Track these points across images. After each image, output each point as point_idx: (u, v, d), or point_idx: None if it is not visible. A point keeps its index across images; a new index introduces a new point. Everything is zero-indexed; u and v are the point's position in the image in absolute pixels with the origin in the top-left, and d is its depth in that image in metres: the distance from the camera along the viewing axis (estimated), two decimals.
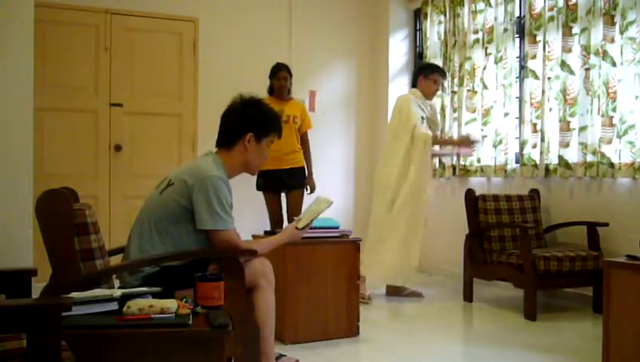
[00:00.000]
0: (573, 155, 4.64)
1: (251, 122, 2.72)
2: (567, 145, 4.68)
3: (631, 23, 4.22)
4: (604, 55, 4.36)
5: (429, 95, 4.96)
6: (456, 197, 5.41)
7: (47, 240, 2.24)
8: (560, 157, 4.72)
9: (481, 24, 5.54)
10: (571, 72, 4.66)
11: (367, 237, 4.84)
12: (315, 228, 3.48)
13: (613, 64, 4.32)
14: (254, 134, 2.71)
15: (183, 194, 2.54)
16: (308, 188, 5.22)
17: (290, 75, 5.15)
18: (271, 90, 5.12)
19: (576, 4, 4.61)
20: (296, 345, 3.48)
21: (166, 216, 2.55)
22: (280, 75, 5.09)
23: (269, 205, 5.20)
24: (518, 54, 5.27)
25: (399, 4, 6.58)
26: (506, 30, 5.26)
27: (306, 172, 5.20)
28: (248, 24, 6.11)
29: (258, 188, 5.16)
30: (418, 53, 6.58)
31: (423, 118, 4.88)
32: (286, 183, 5.11)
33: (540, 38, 4.94)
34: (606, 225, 4.32)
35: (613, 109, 4.32)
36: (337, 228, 3.71)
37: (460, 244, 4.88)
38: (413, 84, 5.01)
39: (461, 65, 5.71)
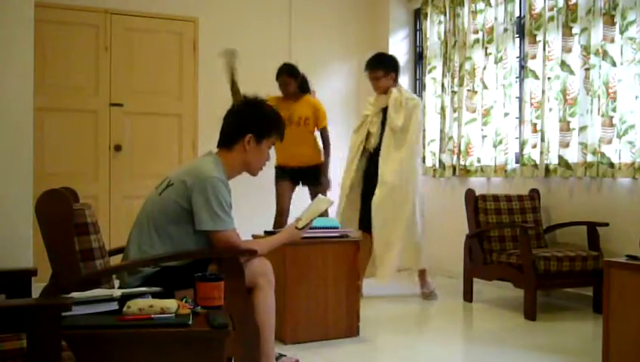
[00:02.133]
0: (573, 155, 4.64)
1: (251, 123, 2.72)
2: (567, 145, 4.68)
3: (631, 23, 4.22)
4: (604, 55, 4.36)
5: (375, 90, 5.00)
6: (456, 197, 5.41)
7: (47, 240, 2.24)
8: (560, 158, 4.72)
9: (481, 24, 5.54)
10: (571, 72, 4.66)
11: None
12: (315, 228, 3.48)
13: (613, 64, 4.32)
14: (254, 135, 2.71)
15: (182, 194, 2.54)
16: (321, 185, 5.14)
17: (294, 76, 5.08)
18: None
19: (576, 4, 4.60)
20: (296, 345, 3.48)
21: (165, 217, 2.55)
22: (280, 80, 5.07)
23: (278, 192, 5.18)
24: (518, 54, 5.27)
25: (399, 4, 6.58)
26: (506, 30, 5.26)
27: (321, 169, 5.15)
28: (248, 24, 6.11)
29: (276, 181, 5.22)
30: (418, 53, 6.58)
31: (367, 115, 4.97)
32: (302, 179, 5.18)
33: (540, 38, 4.94)
34: (606, 225, 4.32)
35: (613, 109, 4.32)
36: (337, 228, 3.71)
37: (460, 244, 4.88)
38: None
39: (461, 65, 5.71)
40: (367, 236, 4.80)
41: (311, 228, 2.96)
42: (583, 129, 4.53)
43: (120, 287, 2.45)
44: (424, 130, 6.20)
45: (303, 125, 5.07)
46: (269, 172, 5.63)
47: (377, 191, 4.73)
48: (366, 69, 4.98)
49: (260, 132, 2.73)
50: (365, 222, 4.83)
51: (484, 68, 5.45)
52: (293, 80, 5.09)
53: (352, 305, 3.70)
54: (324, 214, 4.22)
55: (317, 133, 5.25)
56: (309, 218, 2.84)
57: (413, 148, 4.82)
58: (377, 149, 4.86)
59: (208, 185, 2.52)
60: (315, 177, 5.16)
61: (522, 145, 5.11)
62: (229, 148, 2.72)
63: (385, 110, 4.89)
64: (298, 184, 5.25)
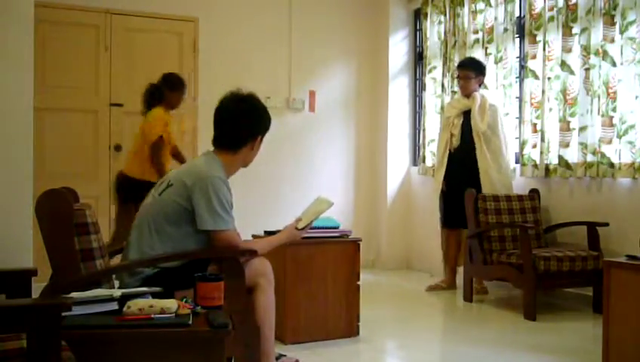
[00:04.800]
0: (573, 155, 4.64)
1: (261, 125, 2.74)
2: (567, 145, 4.68)
3: (631, 23, 4.22)
4: (604, 55, 4.36)
5: (460, 91, 5.21)
6: None
7: (47, 240, 2.24)
8: (560, 158, 4.72)
9: (481, 24, 5.54)
10: (571, 72, 4.66)
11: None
12: (315, 228, 3.47)
13: (613, 64, 4.31)
14: (262, 135, 2.74)
15: (183, 195, 2.54)
16: None
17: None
18: (162, 100, 4.77)
19: (576, 4, 4.60)
20: (297, 345, 3.48)
21: (165, 217, 2.55)
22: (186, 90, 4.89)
23: None
24: (518, 54, 5.27)
25: (399, 4, 6.58)
26: (506, 30, 5.26)
27: None
28: (248, 24, 6.11)
29: None
30: (418, 53, 6.58)
31: (449, 117, 5.19)
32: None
33: (540, 38, 4.94)
34: (606, 225, 4.32)
35: (613, 109, 4.32)
36: (337, 228, 3.71)
37: None
38: None
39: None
40: (448, 232, 5.15)
41: (311, 228, 2.96)
42: (583, 129, 4.53)
43: (120, 288, 2.45)
44: (424, 130, 6.21)
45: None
46: (269, 172, 5.64)
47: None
48: (459, 68, 5.20)
49: (266, 130, 2.77)
50: (448, 220, 5.11)
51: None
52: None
53: (352, 305, 3.70)
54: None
55: None
56: (310, 218, 2.84)
57: (502, 150, 5.00)
58: (457, 149, 5.10)
59: (209, 185, 2.52)
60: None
61: (522, 145, 5.10)
62: (236, 150, 2.71)
63: (466, 113, 5.06)
64: None
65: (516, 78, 5.25)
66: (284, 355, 3.12)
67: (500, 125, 5.02)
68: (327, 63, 6.50)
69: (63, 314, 1.70)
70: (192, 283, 2.19)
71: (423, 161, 6.19)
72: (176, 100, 4.85)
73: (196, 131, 5.86)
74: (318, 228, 3.54)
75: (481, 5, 5.54)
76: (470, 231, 4.76)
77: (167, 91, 4.79)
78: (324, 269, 3.63)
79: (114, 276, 2.59)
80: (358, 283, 3.74)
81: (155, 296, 2.15)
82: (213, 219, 2.51)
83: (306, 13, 6.35)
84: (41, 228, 2.25)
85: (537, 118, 4.93)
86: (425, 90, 6.25)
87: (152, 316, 1.92)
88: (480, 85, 5.13)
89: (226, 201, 2.55)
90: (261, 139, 2.75)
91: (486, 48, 5.45)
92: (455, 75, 5.33)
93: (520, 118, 5.21)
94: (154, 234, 2.55)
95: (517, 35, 5.24)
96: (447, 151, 5.16)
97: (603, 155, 4.38)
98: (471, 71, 5.07)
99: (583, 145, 4.52)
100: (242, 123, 2.71)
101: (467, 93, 5.09)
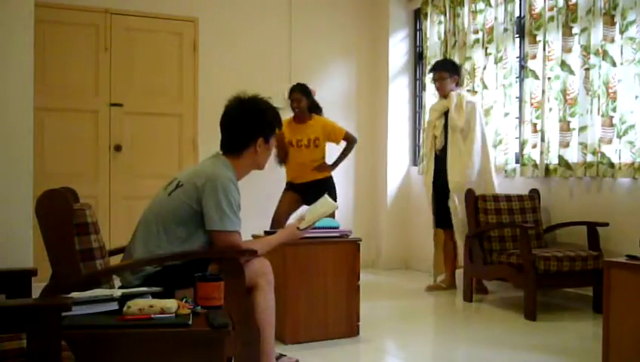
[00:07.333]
0: (573, 155, 4.64)
1: (259, 127, 2.72)
2: (567, 145, 4.68)
3: (631, 23, 4.22)
4: (604, 55, 4.36)
5: (437, 92, 5.24)
6: None
7: (47, 240, 2.24)
8: (560, 157, 4.72)
9: (481, 24, 5.54)
10: (571, 72, 4.66)
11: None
12: (315, 228, 3.46)
13: (613, 64, 4.32)
14: (264, 138, 2.72)
15: (193, 196, 2.55)
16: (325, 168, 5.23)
17: (306, 93, 5.11)
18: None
19: (576, 4, 4.61)
20: (296, 345, 3.48)
21: (174, 218, 2.56)
22: (292, 97, 5.09)
23: (279, 203, 5.19)
24: (518, 54, 5.27)
25: (399, 4, 6.58)
26: (506, 30, 5.26)
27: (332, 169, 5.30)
28: (248, 24, 6.11)
29: (283, 192, 5.25)
30: (418, 53, 6.58)
31: (431, 120, 5.22)
32: (312, 192, 5.09)
33: (540, 38, 4.94)
34: (606, 225, 4.32)
35: (613, 109, 4.32)
36: (337, 228, 3.71)
37: (459, 244, 4.87)
38: None
39: (461, 66, 5.70)
40: (441, 232, 5.21)
41: (311, 229, 2.95)
42: (583, 129, 4.53)
43: (121, 286, 2.46)
44: (424, 130, 6.20)
45: (313, 146, 5.10)
46: (268, 172, 5.60)
47: (450, 192, 5.00)
48: (432, 71, 5.27)
49: (268, 132, 2.75)
50: (439, 220, 5.18)
51: (484, 68, 5.45)
52: (305, 96, 5.09)
53: (352, 305, 3.70)
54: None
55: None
56: (313, 220, 2.83)
57: (475, 146, 5.00)
58: (442, 151, 5.12)
59: (219, 185, 2.53)
60: (325, 188, 5.11)
61: (522, 145, 5.11)
62: (239, 153, 2.72)
63: (446, 114, 5.09)
64: (304, 198, 5.17)
65: (516, 78, 5.25)
66: (284, 355, 3.12)
67: (477, 122, 5.02)
68: (327, 63, 6.50)
69: (63, 314, 1.70)
70: (193, 282, 2.19)
71: (423, 161, 6.19)
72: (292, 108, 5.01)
73: (196, 131, 5.86)
74: (318, 228, 3.54)
75: (481, 5, 5.54)
76: (470, 231, 4.76)
77: None
78: (324, 269, 3.63)
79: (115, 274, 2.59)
80: (358, 283, 3.73)
81: (155, 295, 2.15)
82: (220, 220, 2.52)
83: (306, 13, 6.35)
84: (41, 228, 2.25)
85: (537, 118, 4.93)
86: (425, 90, 6.25)
87: (152, 316, 1.92)
88: (457, 84, 5.16)
89: (235, 203, 2.56)
90: (266, 140, 2.74)
91: (486, 48, 5.45)
92: (431, 79, 5.36)
93: (520, 118, 5.21)
94: (162, 232, 2.55)
95: (517, 35, 5.24)
96: (433, 154, 5.19)
97: (603, 155, 4.38)
98: (444, 71, 5.12)
99: (583, 145, 4.52)
100: (240, 127, 2.72)
101: (444, 94, 5.13)
